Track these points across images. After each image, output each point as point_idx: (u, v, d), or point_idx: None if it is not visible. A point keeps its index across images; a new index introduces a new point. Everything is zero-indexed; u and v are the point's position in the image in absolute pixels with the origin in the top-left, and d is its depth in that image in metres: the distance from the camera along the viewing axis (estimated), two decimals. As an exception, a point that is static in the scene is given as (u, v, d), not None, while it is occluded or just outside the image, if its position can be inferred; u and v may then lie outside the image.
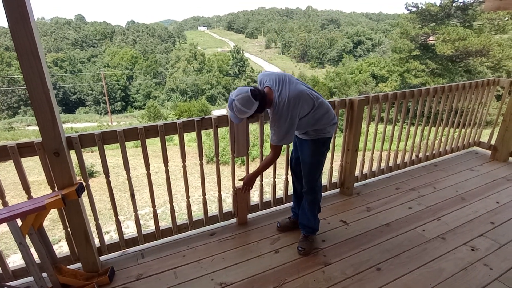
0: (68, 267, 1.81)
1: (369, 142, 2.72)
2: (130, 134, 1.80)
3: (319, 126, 1.85)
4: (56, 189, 1.63)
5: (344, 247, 2.10)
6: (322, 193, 2.62)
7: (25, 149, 1.58)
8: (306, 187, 2.01)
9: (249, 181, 1.98)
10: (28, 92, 1.41)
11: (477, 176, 3.13)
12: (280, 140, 1.77)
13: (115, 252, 2.02)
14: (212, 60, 49.20)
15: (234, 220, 2.37)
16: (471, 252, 2.05)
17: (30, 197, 1.64)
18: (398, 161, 3.13)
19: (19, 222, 1.43)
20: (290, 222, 2.27)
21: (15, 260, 7.05)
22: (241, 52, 51.67)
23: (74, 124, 29.21)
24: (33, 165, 11.63)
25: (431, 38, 23.63)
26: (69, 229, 1.76)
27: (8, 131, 25.63)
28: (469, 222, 2.37)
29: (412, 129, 3.04)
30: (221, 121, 2.04)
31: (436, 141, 3.36)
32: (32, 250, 1.50)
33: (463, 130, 3.51)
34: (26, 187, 1.63)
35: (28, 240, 1.48)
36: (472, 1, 22.30)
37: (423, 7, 23.74)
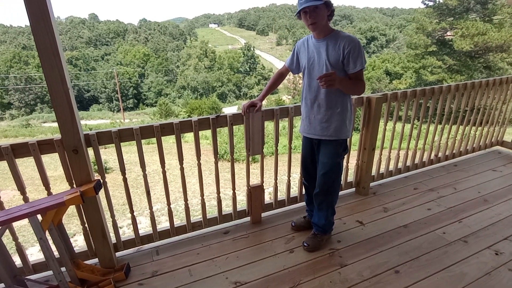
0: (85, 262, 1.84)
1: (386, 140, 2.67)
2: (146, 131, 1.80)
3: (344, 112, 1.82)
4: (74, 185, 1.66)
5: (361, 248, 2.05)
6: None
7: (45, 146, 1.61)
8: (319, 189, 1.94)
9: (331, 78, 1.57)
10: (49, 90, 1.42)
11: (500, 177, 3.00)
12: (365, 60, 1.74)
13: (130, 248, 2.04)
14: (223, 58, 49.30)
15: (248, 218, 2.35)
16: (495, 256, 1.97)
17: (49, 193, 1.67)
18: (416, 161, 3.03)
19: (39, 217, 1.45)
20: (305, 221, 2.23)
21: (32, 253, 7.28)
22: (252, 49, 51.51)
23: (88, 121, 29.94)
24: (48, 161, 11.97)
25: (448, 33, 22.89)
26: (86, 225, 1.79)
27: (26, 127, 26.55)
28: (492, 225, 2.27)
29: (431, 127, 2.94)
30: (236, 119, 2.02)
31: (457, 140, 3.24)
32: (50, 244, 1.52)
33: (485, 129, 3.37)
34: (46, 184, 1.66)
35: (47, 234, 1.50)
36: (492, -5, 21.48)
37: (441, 1, 22.99)
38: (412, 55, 24.82)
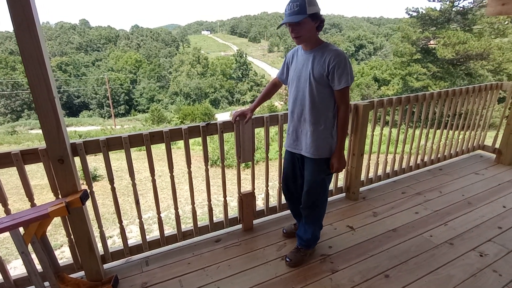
0: (71, 275, 1.78)
1: (374, 146, 2.74)
2: (135, 140, 1.78)
3: (328, 130, 1.73)
4: (59, 196, 1.61)
5: (352, 254, 2.07)
6: (328, 198, 2.58)
7: (29, 156, 1.57)
8: (304, 205, 1.89)
9: (341, 164, 1.77)
10: (33, 98, 1.39)
11: (483, 180, 3.09)
12: (352, 77, 1.65)
13: (119, 259, 1.99)
14: (216, 64, 49.44)
15: (239, 226, 2.34)
16: (479, 257, 2.01)
17: (33, 205, 1.62)
18: (403, 165, 3.10)
19: (21, 230, 1.40)
20: (296, 228, 2.24)
21: (16, 266, 7.00)
22: (244, 56, 51.86)
23: (77, 128, 29.30)
24: (35, 169, 11.63)
25: (431, 42, 23.65)
26: (72, 237, 1.74)
27: (11, 134, 25.75)
28: (476, 227, 2.33)
29: (417, 132, 3.02)
30: (226, 126, 2.03)
31: (441, 145, 3.33)
32: (34, 256, 1.47)
33: (467, 133, 3.48)
34: (30, 195, 1.61)
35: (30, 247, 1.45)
36: (471, 6, 22.39)
37: (424, 11, 23.81)
38: (399, 63, 25.49)
